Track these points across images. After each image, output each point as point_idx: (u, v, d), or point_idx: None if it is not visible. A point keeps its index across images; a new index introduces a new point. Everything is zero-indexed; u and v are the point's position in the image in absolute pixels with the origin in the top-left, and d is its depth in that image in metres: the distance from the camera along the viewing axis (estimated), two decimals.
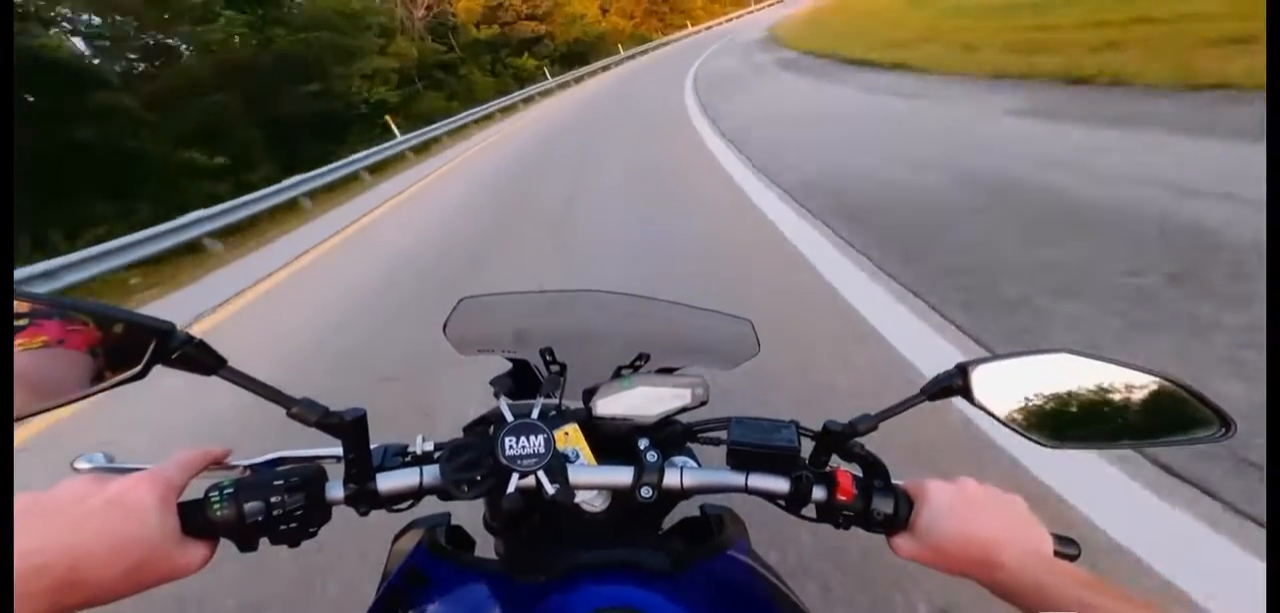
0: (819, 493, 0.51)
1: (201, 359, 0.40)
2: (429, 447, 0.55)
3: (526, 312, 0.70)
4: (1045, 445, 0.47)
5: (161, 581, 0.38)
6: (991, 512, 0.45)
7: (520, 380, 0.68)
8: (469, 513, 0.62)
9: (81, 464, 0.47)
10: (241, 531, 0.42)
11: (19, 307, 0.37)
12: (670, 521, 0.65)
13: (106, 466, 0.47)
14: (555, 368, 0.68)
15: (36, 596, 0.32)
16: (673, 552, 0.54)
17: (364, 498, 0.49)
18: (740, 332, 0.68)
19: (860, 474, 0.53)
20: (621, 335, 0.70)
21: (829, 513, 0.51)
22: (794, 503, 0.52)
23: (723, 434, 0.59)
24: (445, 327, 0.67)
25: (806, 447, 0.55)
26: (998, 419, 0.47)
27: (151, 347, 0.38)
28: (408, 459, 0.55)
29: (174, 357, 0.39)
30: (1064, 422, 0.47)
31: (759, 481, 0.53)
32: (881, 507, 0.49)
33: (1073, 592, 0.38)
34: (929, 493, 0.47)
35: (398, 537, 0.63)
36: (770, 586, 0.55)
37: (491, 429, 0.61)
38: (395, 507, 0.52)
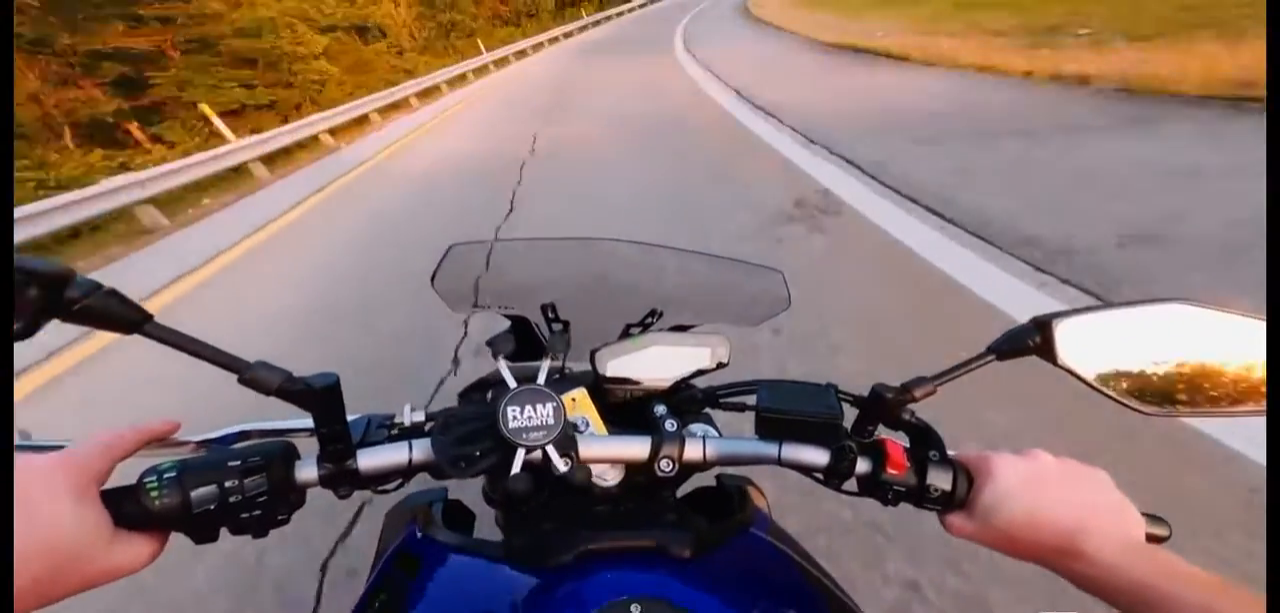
0: (863, 466, 0.45)
1: (113, 314, 0.33)
2: (419, 417, 0.49)
3: (525, 262, 0.62)
4: (1150, 413, 0.39)
5: (90, 585, 0.32)
6: (1071, 490, 0.39)
7: (520, 340, 0.61)
8: (467, 483, 0.56)
9: None
10: (191, 521, 0.36)
11: None
12: (682, 492, 0.59)
13: (20, 444, 0.40)
14: (557, 326, 0.61)
15: None
16: (696, 531, 0.48)
17: (343, 478, 0.42)
18: (767, 283, 0.60)
19: (908, 444, 0.46)
20: (630, 289, 0.63)
21: (874, 488, 0.45)
22: (835, 477, 0.46)
23: (749, 399, 0.52)
24: (433, 278, 0.60)
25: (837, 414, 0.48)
26: (1087, 383, 0.40)
27: (37, 299, 0.30)
28: (394, 432, 0.49)
29: (74, 310, 0.32)
30: (1175, 386, 0.39)
31: (794, 452, 0.46)
32: (937, 482, 0.43)
33: (1171, 587, 0.32)
34: (994, 468, 0.41)
35: (391, 513, 0.58)
36: (798, 563, 0.50)
37: (490, 396, 0.54)
38: (381, 488, 0.46)
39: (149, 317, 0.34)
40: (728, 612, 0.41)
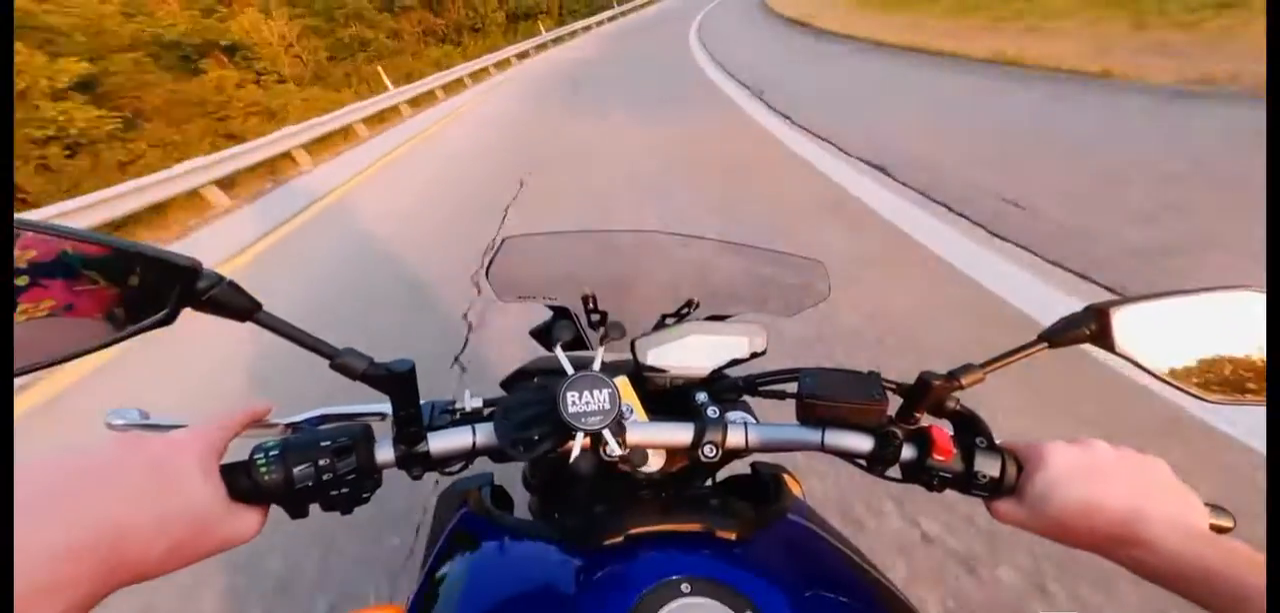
0: (908, 452, 0.45)
1: (234, 303, 0.36)
2: (478, 403, 0.51)
3: (567, 254, 0.64)
4: (1216, 401, 0.38)
5: (211, 552, 0.35)
6: (1129, 478, 0.38)
7: (562, 328, 0.64)
8: (503, 470, 0.59)
9: (115, 420, 0.45)
10: (291, 496, 0.39)
11: (25, 245, 0.33)
12: (718, 478, 0.60)
13: (142, 422, 0.44)
14: (596, 316, 0.63)
15: (81, 579, 0.29)
16: (740, 514, 0.49)
17: (416, 460, 0.44)
18: (808, 274, 0.60)
19: (953, 431, 0.46)
20: (667, 280, 0.64)
21: (918, 474, 0.45)
22: (878, 463, 0.46)
23: (789, 387, 0.53)
24: (488, 270, 0.63)
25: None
26: (1146, 370, 0.39)
27: (177, 289, 0.34)
28: (457, 416, 0.51)
29: (203, 299, 0.35)
30: (1243, 374, 0.37)
31: (838, 438, 0.47)
32: (985, 469, 0.43)
33: (1241, 573, 0.31)
34: (1047, 455, 0.40)
35: (443, 496, 0.62)
36: (838, 548, 0.51)
37: (536, 380, 0.57)
38: (447, 470, 0.48)
39: (259, 306, 0.37)
40: (774, 591, 0.42)
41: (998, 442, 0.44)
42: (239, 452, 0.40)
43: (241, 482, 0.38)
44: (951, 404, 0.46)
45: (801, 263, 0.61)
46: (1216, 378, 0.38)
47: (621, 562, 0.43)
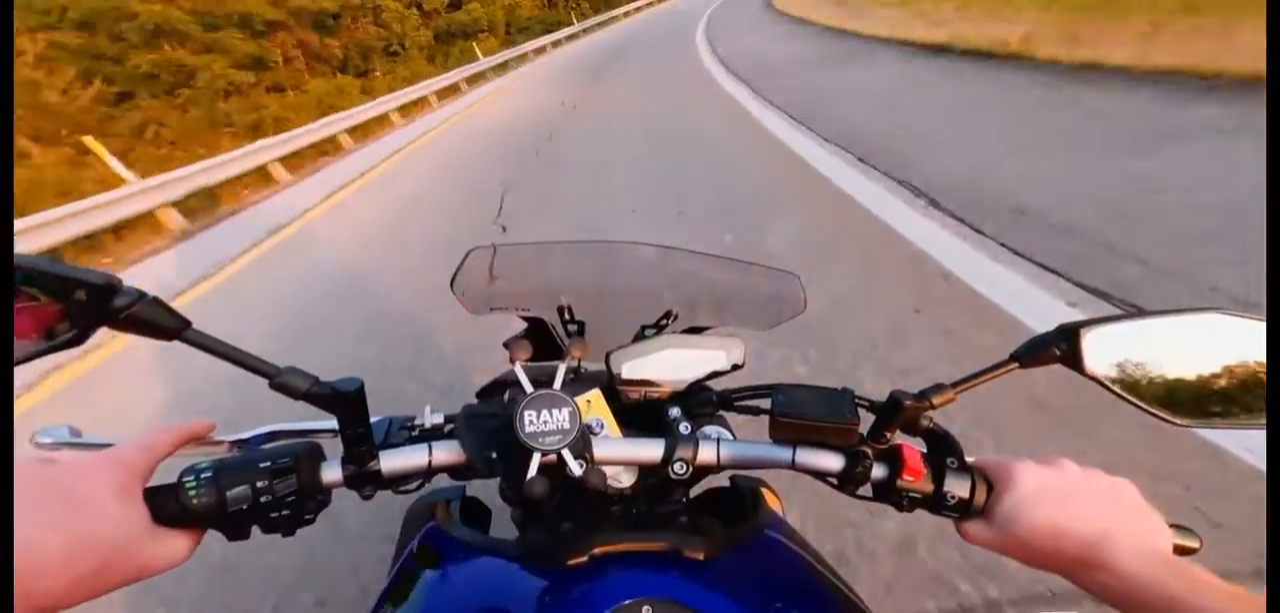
0: (879, 472, 0.44)
1: (158, 321, 0.34)
2: (438, 419, 0.50)
3: (541, 265, 0.63)
4: (1182, 424, 0.38)
5: (132, 579, 0.33)
6: (1096, 500, 0.38)
7: (536, 341, 0.62)
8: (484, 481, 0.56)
9: (43, 439, 0.42)
10: (225, 519, 0.37)
11: None
12: (695, 492, 0.59)
13: (70, 441, 0.42)
14: (573, 327, 0.61)
15: None
16: (710, 533, 0.48)
17: (366, 480, 0.43)
18: (783, 286, 0.60)
19: (926, 450, 0.45)
20: (644, 291, 0.64)
21: (889, 494, 0.45)
22: (849, 483, 0.45)
23: (763, 402, 0.52)
24: (453, 282, 0.61)
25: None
26: (1113, 391, 0.39)
27: (90, 308, 0.32)
28: (415, 433, 0.49)
29: (121, 317, 0.33)
30: (1209, 396, 0.37)
31: (809, 457, 0.46)
32: (955, 489, 0.42)
33: (1198, 599, 0.31)
34: (1015, 476, 0.40)
35: (411, 508, 0.59)
36: (812, 566, 0.50)
37: (506, 397, 0.55)
38: (402, 489, 0.47)
39: (188, 324, 0.35)
40: None
41: (969, 460, 0.44)
42: (172, 473, 0.37)
43: (169, 505, 0.36)
44: (925, 423, 0.45)
45: (777, 275, 0.61)
46: (1183, 399, 0.38)
47: (584, 583, 0.42)
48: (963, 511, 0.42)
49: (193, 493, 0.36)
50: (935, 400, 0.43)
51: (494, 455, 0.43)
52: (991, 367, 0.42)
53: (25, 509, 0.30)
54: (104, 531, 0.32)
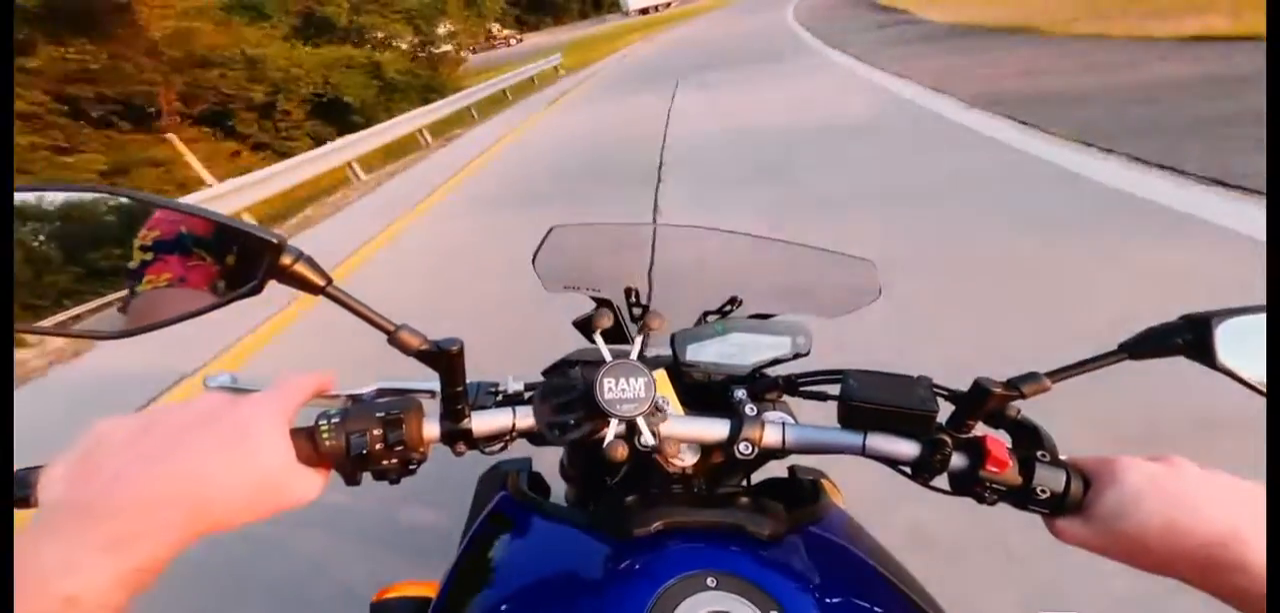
0: (959, 461, 0.42)
1: (309, 278, 0.38)
2: (519, 387, 0.53)
3: (612, 246, 0.65)
4: None
5: (278, 510, 0.37)
6: (1222, 499, 0.34)
7: (602, 318, 0.64)
8: (542, 456, 0.60)
9: (210, 383, 0.49)
10: (346, 462, 0.40)
11: (153, 223, 0.38)
12: (755, 479, 0.59)
13: (232, 385, 0.49)
14: (638, 310, 0.63)
15: (171, 524, 0.31)
16: (773, 515, 0.48)
17: (459, 436, 0.46)
18: (857, 273, 0.58)
19: (1011, 443, 0.43)
20: (711, 276, 0.64)
21: (969, 485, 0.42)
22: (924, 471, 0.44)
23: (832, 388, 0.51)
24: (534, 258, 0.65)
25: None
26: (1255, 389, 0.35)
27: (265, 261, 0.37)
28: (500, 398, 0.52)
29: (286, 273, 0.37)
30: None
31: (881, 442, 0.45)
32: (1047, 483, 0.39)
33: None
34: (1121, 472, 0.37)
35: (483, 478, 0.63)
36: (874, 554, 0.49)
37: (578, 369, 0.58)
38: (487, 449, 0.49)
39: (330, 280, 0.39)
40: (802, 595, 0.40)
41: (1064, 458, 0.41)
42: (302, 420, 0.42)
43: (306, 446, 0.40)
44: (1011, 413, 0.43)
45: (851, 262, 0.59)
46: None
47: (649, 553, 0.43)
48: (1055, 506, 0.39)
49: (326, 436, 0.40)
50: (1026, 390, 0.40)
51: (571, 422, 0.45)
52: (1096, 357, 0.39)
53: (203, 440, 0.34)
54: (263, 463, 0.35)
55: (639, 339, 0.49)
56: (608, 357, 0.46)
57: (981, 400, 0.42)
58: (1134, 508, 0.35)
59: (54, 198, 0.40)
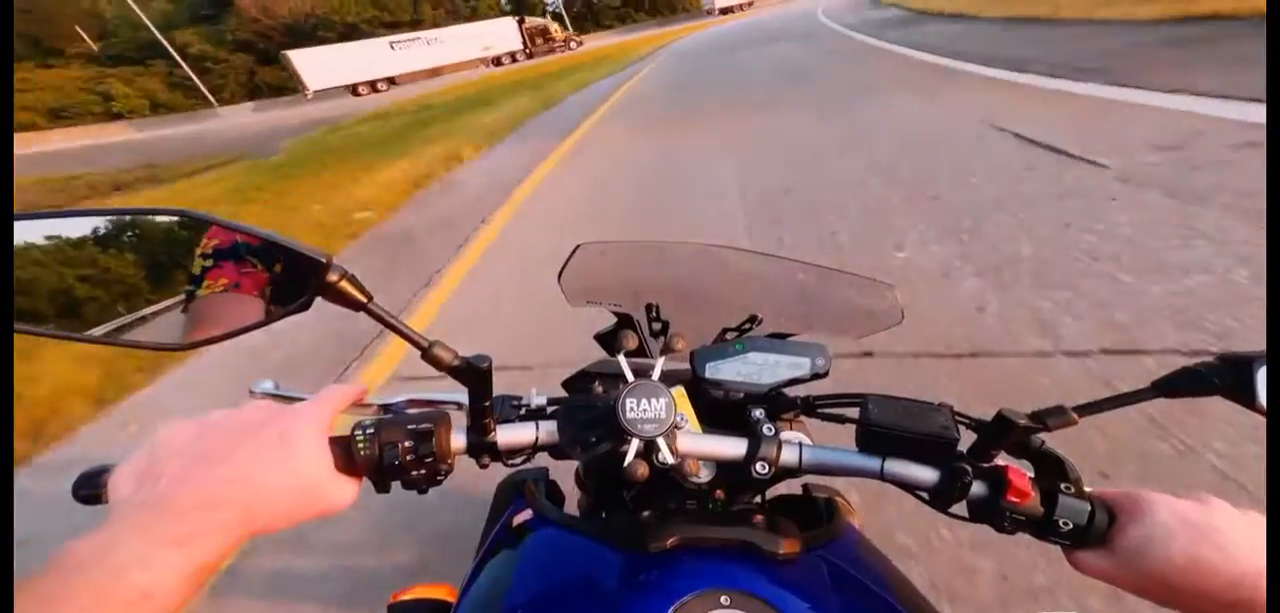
0: (979, 490, 0.42)
1: (352, 295, 0.40)
2: (542, 401, 0.54)
3: (636, 263, 0.67)
4: None
5: (317, 515, 0.38)
6: (1253, 539, 0.34)
7: (625, 334, 0.66)
8: (557, 465, 0.59)
9: (255, 389, 0.51)
10: (380, 471, 0.42)
11: (212, 235, 0.40)
12: (770, 495, 0.59)
13: (275, 392, 0.51)
14: (657, 325, 0.64)
15: (220, 527, 0.33)
16: (788, 534, 0.48)
17: (484, 449, 0.47)
18: (877, 295, 0.58)
19: (1033, 473, 0.43)
20: (731, 294, 0.65)
21: (989, 514, 0.42)
22: (943, 498, 0.44)
23: (850, 412, 0.51)
24: (561, 275, 0.67)
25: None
26: None
27: (313, 279, 0.38)
28: (523, 412, 0.54)
29: (331, 290, 0.39)
30: None
31: (900, 468, 0.45)
32: (1070, 515, 0.39)
33: None
34: (1148, 506, 0.37)
35: (501, 486, 0.65)
36: (887, 576, 0.48)
37: (597, 385, 0.59)
38: (510, 461, 0.51)
39: (371, 297, 0.41)
40: None
41: (1089, 490, 0.40)
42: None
43: (343, 455, 0.41)
44: (1036, 444, 0.42)
45: (870, 285, 0.59)
46: None
47: (664, 568, 0.44)
48: (1076, 538, 0.39)
49: (362, 445, 0.41)
50: (1052, 424, 0.40)
51: (593, 439, 0.46)
52: (1127, 394, 0.38)
53: (253, 447, 0.36)
54: (305, 469, 0.37)
55: (660, 360, 0.49)
56: (630, 376, 0.47)
57: (1004, 431, 0.41)
58: (1161, 544, 0.35)
59: (119, 219, 0.43)
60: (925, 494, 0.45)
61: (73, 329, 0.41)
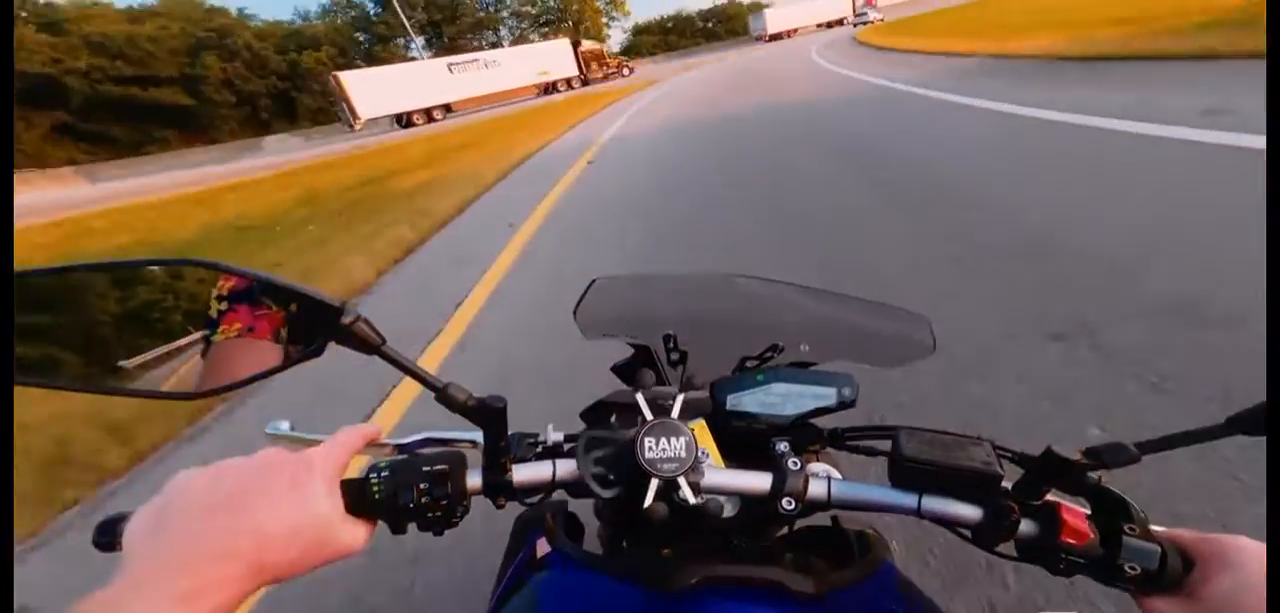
0: (1028, 529, 0.39)
1: (366, 338, 0.40)
2: (558, 437, 0.53)
3: (653, 294, 0.65)
4: None
5: (328, 561, 0.37)
6: None
7: (643, 366, 0.64)
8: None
9: (270, 430, 0.51)
10: (394, 513, 0.41)
11: (226, 279, 0.40)
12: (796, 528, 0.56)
13: (290, 434, 0.50)
14: (676, 355, 0.63)
15: (231, 579, 0.32)
16: (818, 572, 0.45)
17: (500, 489, 0.46)
18: (908, 325, 0.55)
19: (1089, 512, 0.39)
20: (750, 323, 0.63)
21: (1040, 553, 0.39)
22: (988, 537, 0.40)
23: (881, 444, 0.48)
24: (576, 310, 0.66)
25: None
26: None
27: (326, 324, 0.39)
28: (539, 450, 0.52)
29: (344, 334, 0.39)
30: None
31: (939, 505, 0.42)
32: (1137, 559, 0.36)
33: None
34: (1235, 554, 0.33)
35: (519, 519, 0.63)
36: None
37: (614, 419, 0.57)
38: (527, 500, 0.50)
39: (385, 340, 0.41)
40: None
41: (1157, 530, 0.37)
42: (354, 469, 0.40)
43: (356, 498, 0.40)
44: (1092, 482, 0.39)
45: (902, 315, 0.56)
46: None
47: (690, 608, 0.41)
48: (1145, 584, 0.35)
49: (376, 488, 0.41)
50: (1109, 461, 0.36)
51: (611, 477, 0.44)
52: (1193, 431, 0.34)
53: (262, 495, 0.35)
54: (317, 513, 0.36)
55: (680, 397, 0.48)
56: (649, 415, 0.45)
57: (1053, 469, 0.38)
58: (1252, 596, 0.31)
59: (131, 271, 0.43)
60: (967, 532, 0.42)
61: (88, 382, 0.41)
